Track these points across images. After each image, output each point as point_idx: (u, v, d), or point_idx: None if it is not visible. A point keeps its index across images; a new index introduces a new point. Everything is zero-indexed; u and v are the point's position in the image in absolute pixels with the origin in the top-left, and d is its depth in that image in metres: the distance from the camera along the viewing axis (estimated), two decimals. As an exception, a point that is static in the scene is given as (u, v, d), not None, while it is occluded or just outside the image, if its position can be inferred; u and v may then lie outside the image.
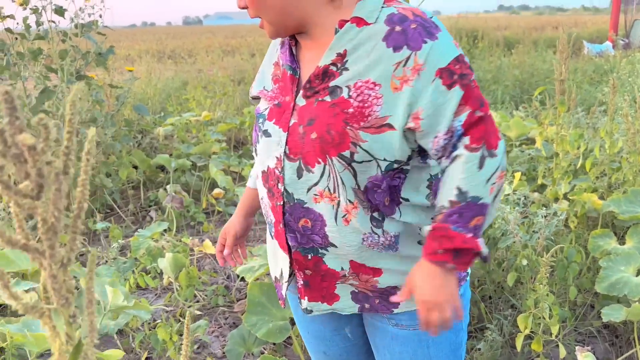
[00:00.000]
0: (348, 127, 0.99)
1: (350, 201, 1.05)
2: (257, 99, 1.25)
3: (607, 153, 2.69)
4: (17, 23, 3.43)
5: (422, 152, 1.07)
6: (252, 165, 4.27)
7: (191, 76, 8.71)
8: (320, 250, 1.11)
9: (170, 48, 17.15)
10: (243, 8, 1.08)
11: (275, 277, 1.25)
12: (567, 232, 2.48)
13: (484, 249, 1.01)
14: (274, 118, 1.11)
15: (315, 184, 1.05)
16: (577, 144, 2.45)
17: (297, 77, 1.09)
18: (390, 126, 0.99)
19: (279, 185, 1.09)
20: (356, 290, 1.15)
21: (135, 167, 4.23)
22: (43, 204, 0.47)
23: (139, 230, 3.22)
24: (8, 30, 3.40)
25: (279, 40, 1.18)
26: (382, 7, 1.01)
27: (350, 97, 0.99)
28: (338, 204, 1.05)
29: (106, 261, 2.98)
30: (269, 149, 1.11)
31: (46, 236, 0.50)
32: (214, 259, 3.13)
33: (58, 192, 0.46)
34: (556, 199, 2.64)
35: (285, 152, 1.07)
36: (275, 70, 1.16)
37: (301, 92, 1.06)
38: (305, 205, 1.07)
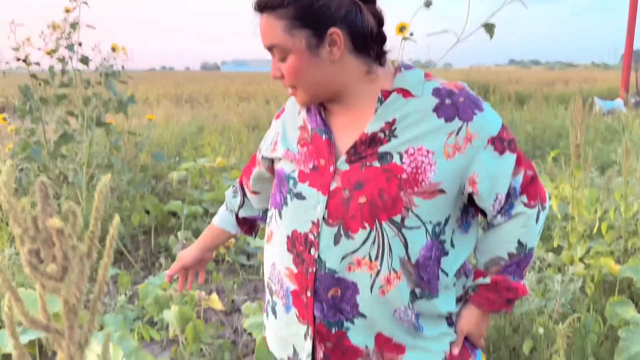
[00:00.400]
0: (402, 193, 1.00)
1: (394, 270, 1.03)
2: (268, 159, 1.23)
3: (623, 217, 2.66)
4: (42, 69, 3.54)
5: (463, 217, 1.10)
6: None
7: (207, 121, 8.85)
8: (345, 324, 1.07)
9: (187, 92, 17.52)
10: (278, 78, 1.07)
11: (289, 357, 1.17)
12: (583, 298, 2.42)
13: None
14: (307, 180, 1.08)
15: (354, 252, 1.03)
16: (592, 208, 2.42)
17: (333, 141, 1.09)
18: (442, 191, 1.02)
19: (312, 251, 1.05)
20: None
21: (148, 212, 4.24)
22: (66, 286, 0.47)
23: (148, 277, 3.20)
24: (33, 76, 3.50)
25: (292, 107, 1.19)
26: (425, 81, 1.06)
27: (403, 163, 1.01)
28: (377, 274, 1.03)
29: (113, 309, 2.95)
30: (301, 212, 1.08)
31: (67, 317, 0.50)
32: (221, 313, 3.09)
33: (81, 275, 0.47)
34: (572, 262, 2.60)
35: (324, 216, 1.04)
36: (302, 134, 1.14)
37: (344, 156, 1.06)
38: (336, 275, 1.04)
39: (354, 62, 1.05)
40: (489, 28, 1.46)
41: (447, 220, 1.05)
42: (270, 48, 1.05)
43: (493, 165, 1.03)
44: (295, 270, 1.09)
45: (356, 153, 1.05)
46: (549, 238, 3.19)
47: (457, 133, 1.01)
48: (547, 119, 7.44)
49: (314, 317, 1.08)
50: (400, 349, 1.08)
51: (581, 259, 2.67)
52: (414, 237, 1.02)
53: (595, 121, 7.17)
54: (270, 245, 1.17)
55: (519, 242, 1.10)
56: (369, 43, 1.05)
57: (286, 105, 1.24)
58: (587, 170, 2.38)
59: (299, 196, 1.08)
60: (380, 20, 1.06)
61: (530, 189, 1.09)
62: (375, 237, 1.01)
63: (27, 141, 3.66)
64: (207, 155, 5.95)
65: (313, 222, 1.05)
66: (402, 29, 1.63)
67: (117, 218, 0.51)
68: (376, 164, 1.03)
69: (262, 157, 1.25)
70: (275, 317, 1.18)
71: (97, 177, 3.58)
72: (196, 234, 4.14)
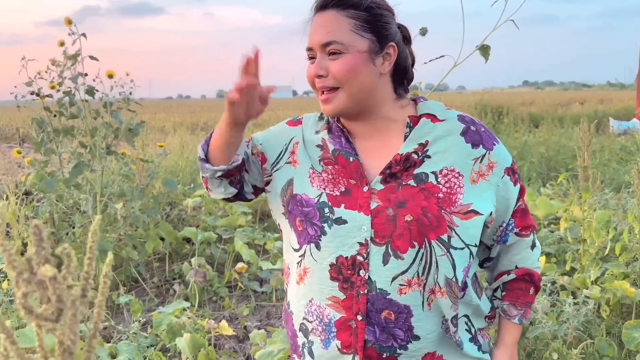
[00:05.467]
0: (443, 211, 1.05)
1: (439, 285, 1.06)
2: (269, 159, 1.19)
3: (637, 238, 2.61)
4: (55, 103, 3.62)
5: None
6: (275, 239, 4.25)
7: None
8: (398, 350, 1.06)
9: (203, 120, 17.75)
10: (319, 77, 1.08)
11: None
12: (599, 322, 2.37)
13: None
14: (342, 203, 1.09)
15: (403, 272, 1.04)
16: (603, 232, 2.39)
17: (361, 162, 1.11)
18: (477, 212, 1.07)
19: (362, 272, 1.05)
20: None
21: (162, 239, 4.27)
22: (61, 327, 0.48)
23: (161, 306, 3.21)
24: (46, 109, 3.57)
25: (310, 125, 1.19)
26: (446, 108, 1.14)
27: (438, 182, 1.07)
28: (424, 287, 1.05)
29: (127, 337, 2.96)
30: (344, 237, 1.07)
31: (62, 357, 0.50)
32: (233, 340, 3.08)
33: (74, 317, 0.48)
34: (585, 285, 2.56)
35: (371, 236, 1.05)
36: (323, 153, 1.15)
37: (379, 177, 1.09)
38: (388, 297, 1.05)
39: (390, 85, 1.13)
40: (484, 50, 1.47)
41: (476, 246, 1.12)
42: (325, 45, 1.07)
43: (507, 195, 1.12)
44: (342, 297, 1.07)
45: (391, 174, 1.08)
46: (565, 260, 3.14)
47: (481, 160, 1.09)
48: (561, 140, 7.38)
49: (364, 343, 1.06)
50: None
51: (596, 282, 2.63)
52: (461, 258, 1.07)
53: (610, 142, 7.10)
54: (304, 283, 1.13)
55: (516, 266, 1.19)
56: (405, 74, 1.15)
57: (304, 119, 1.22)
58: (598, 192, 2.36)
59: (339, 221, 1.07)
60: (413, 60, 1.17)
61: (523, 219, 1.17)
62: (423, 254, 1.04)
63: (42, 172, 3.73)
64: (220, 181, 5.99)
65: (361, 244, 1.06)
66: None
67: (109, 255, 0.52)
68: (412, 183, 1.07)
69: (270, 161, 1.19)
70: (313, 358, 1.14)
71: (111, 206, 3.63)
72: (210, 260, 4.15)
